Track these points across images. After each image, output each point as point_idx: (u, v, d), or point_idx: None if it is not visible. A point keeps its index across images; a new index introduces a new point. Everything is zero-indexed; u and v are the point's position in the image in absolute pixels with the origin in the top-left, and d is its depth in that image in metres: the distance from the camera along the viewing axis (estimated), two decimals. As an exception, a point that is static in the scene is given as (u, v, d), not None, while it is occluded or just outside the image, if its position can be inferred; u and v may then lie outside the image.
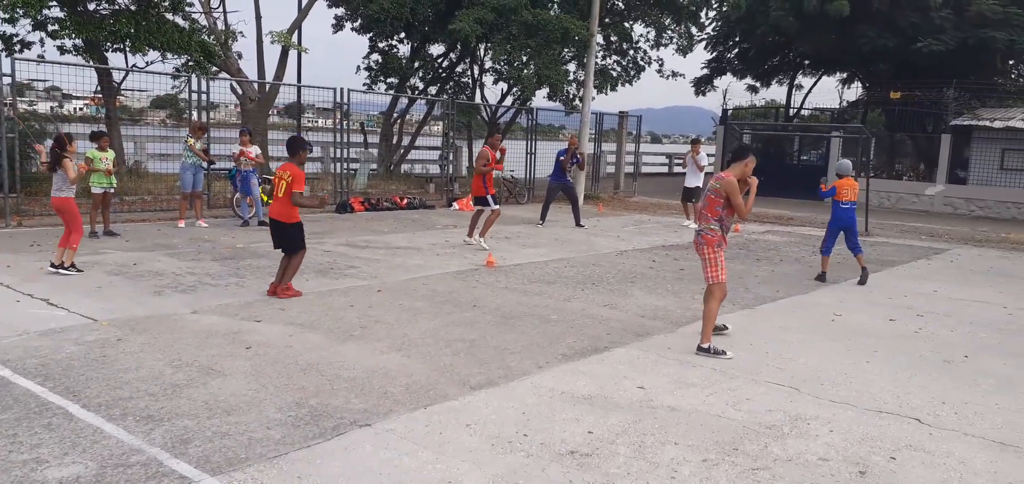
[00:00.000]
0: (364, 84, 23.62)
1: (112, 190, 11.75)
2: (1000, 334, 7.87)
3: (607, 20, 24.03)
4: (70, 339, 6.18)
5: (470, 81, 26.50)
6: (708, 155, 23.40)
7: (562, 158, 15.97)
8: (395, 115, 24.67)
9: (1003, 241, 16.15)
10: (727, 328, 7.23)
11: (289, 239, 8.12)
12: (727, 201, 6.54)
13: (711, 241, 6.60)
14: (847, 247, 10.72)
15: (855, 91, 32.59)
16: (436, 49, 25.45)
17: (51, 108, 24.33)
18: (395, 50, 24.37)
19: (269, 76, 20.41)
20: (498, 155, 12.49)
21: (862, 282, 10.37)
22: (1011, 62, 25.82)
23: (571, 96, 23.01)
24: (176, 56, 17.32)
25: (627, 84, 24.96)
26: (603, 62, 24.48)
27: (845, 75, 31.81)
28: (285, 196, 7.97)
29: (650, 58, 25.24)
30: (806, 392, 5.68)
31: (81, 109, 25.48)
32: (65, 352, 5.83)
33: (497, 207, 12.04)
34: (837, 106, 30.58)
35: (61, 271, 8.61)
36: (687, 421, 4.97)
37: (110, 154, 11.71)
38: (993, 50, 23.33)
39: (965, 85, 23.01)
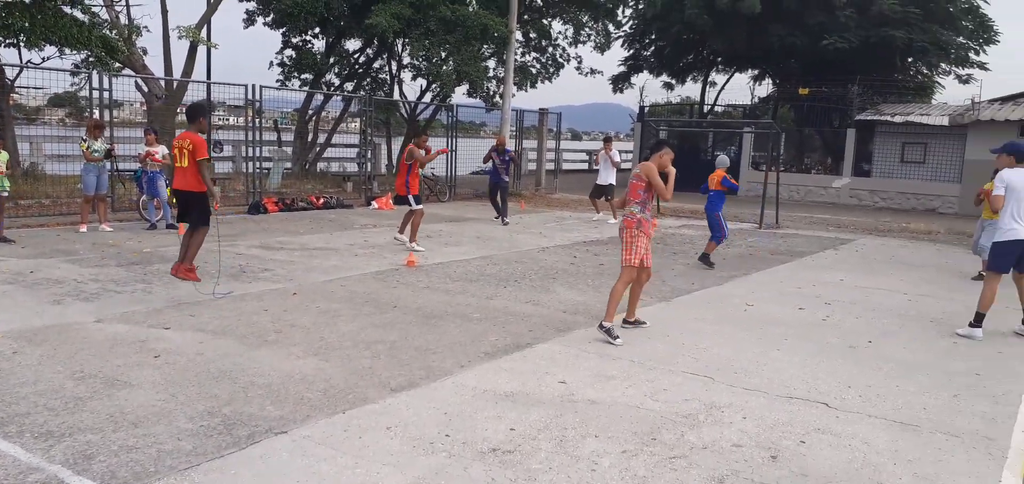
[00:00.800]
0: (277, 80, 23.07)
1: (5, 193, 11.09)
2: (901, 320, 8.27)
3: (526, 17, 24.17)
4: (-41, 353, 5.79)
5: (388, 77, 26.22)
6: (625, 152, 23.85)
7: (493, 156, 15.97)
8: (310, 112, 24.15)
9: (904, 230, 17.01)
10: (645, 323, 7.37)
11: (194, 209, 7.95)
12: (648, 185, 6.75)
13: (630, 224, 6.85)
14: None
15: (766, 88, 33.81)
16: (352, 44, 25.10)
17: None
18: (310, 45, 23.88)
19: (177, 73, 19.67)
20: (428, 154, 12.24)
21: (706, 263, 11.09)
22: (910, 60, 27.21)
23: (491, 93, 23.04)
24: (75, 51, 16.51)
25: (547, 81, 25.17)
26: (523, 59, 24.61)
27: (756, 72, 32.92)
28: (190, 166, 7.81)
29: (569, 55, 25.56)
30: (720, 381, 5.83)
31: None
32: (-46, 367, 5.45)
33: (420, 207, 11.89)
34: (749, 102, 31.57)
35: None
36: (607, 413, 5.03)
37: (3, 156, 11.05)
38: (893, 48, 24.57)
39: (868, 81, 24.15)
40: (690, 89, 35.53)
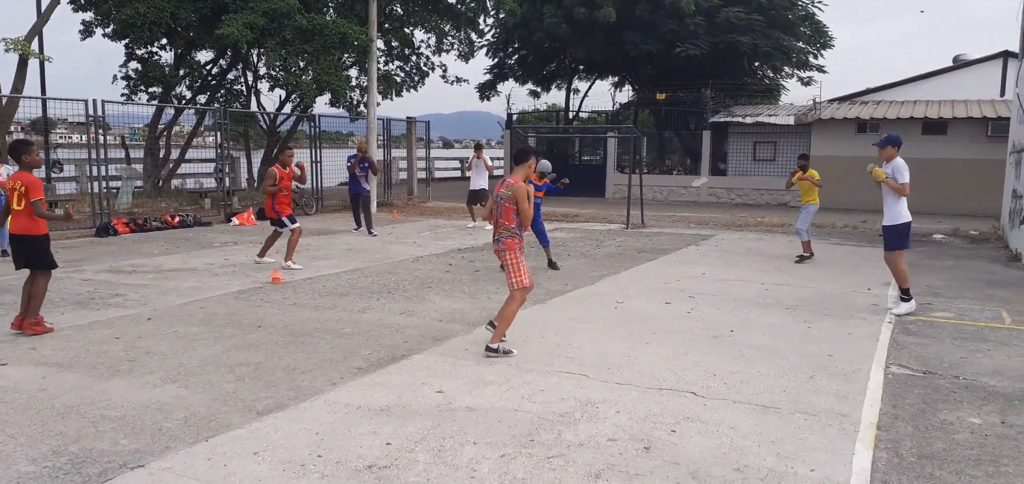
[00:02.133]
0: (123, 94, 21.56)
1: None
2: (759, 308, 8.72)
3: (387, 26, 23.87)
4: None
5: (244, 88, 25.17)
6: (496, 158, 24.01)
7: (350, 165, 15.61)
8: (161, 127, 22.79)
9: (759, 224, 18.03)
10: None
11: (36, 254, 7.22)
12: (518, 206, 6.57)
13: (512, 246, 6.60)
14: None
15: (627, 93, 35.06)
16: (203, 55, 23.90)
17: None
18: (157, 57, 22.51)
19: (6, 89, 18.04)
20: (296, 171, 11.52)
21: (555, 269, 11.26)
22: (756, 64, 29.01)
23: (355, 102, 22.57)
24: None
25: (412, 89, 24.92)
26: (386, 68, 24.27)
27: (617, 79, 34.05)
28: (26, 208, 7.09)
29: (433, 64, 25.40)
30: (594, 378, 5.92)
31: None
32: None
33: (296, 225, 11.33)
34: (611, 108, 32.63)
35: None
36: (485, 419, 4.98)
37: None
38: (741, 53, 26.10)
39: (720, 85, 25.51)
40: (556, 96, 36.42)
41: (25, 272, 7.36)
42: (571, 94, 34.75)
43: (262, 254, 11.54)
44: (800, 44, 27.65)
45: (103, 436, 4.64)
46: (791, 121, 23.07)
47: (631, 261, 12.21)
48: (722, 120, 24.67)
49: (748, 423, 5.03)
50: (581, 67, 32.94)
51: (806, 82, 28.65)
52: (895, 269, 8.60)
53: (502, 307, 6.68)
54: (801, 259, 12.20)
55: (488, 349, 6.51)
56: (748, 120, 24.07)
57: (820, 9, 27.78)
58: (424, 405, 5.26)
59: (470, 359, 6.40)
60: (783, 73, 29.96)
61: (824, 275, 10.96)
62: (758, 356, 6.66)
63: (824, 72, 28.33)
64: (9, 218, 7.28)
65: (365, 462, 4.30)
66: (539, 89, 34.20)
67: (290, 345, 6.81)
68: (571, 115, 34.65)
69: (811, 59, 28.21)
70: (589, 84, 35.18)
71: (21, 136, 19.94)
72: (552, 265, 11.30)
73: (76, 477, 4.06)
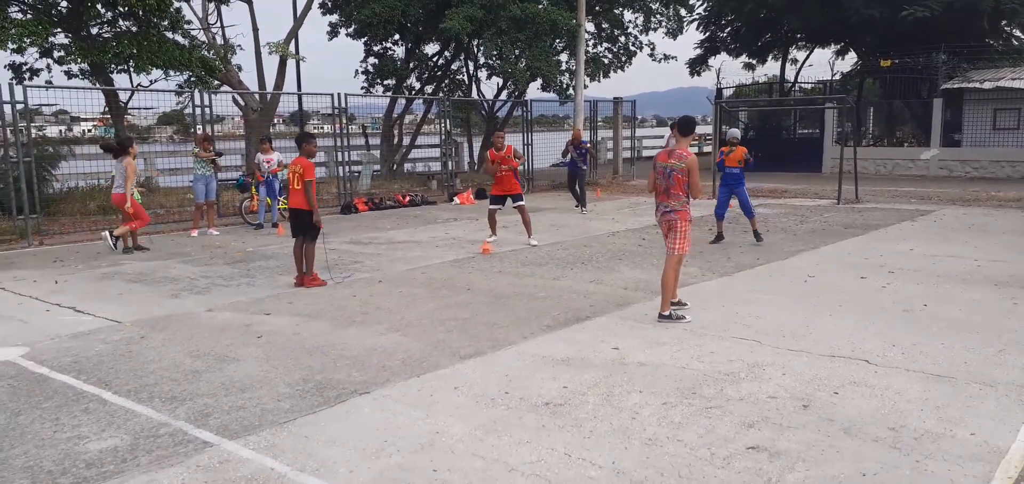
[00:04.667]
0: (362, 88, 24.25)
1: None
2: (964, 283, 8.36)
3: (597, 8, 24.53)
4: (98, 339, 6.79)
5: (466, 78, 27.08)
6: (707, 136, 23.82)
7: (571, 150, 16.56)
8: (394, 116, 25.26)
9: (991, 199, 16.57)
10: (685, 303, 7.41)
11: (308, 225, 8.90)
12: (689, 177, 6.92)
13: (685, 216, 7.00)
14: (741, 210, 11.44)
15: (849, 62, 32.97)
16: (430, 48, 26.06)
17: (60, 131, 25.09)
18: (390, 52, 24.96)
19: (269, 86, 21.02)
20: (512, 152, 11.91)
21: (758, 240, 11.10)
22: (1003, 23, 26.11)
23: (564, 86, 23.54)
24: (178, 73, 17.96)
25: (620, 70, 25.46)
26: (594, 50, 24.98)
27: (838, 47, 32.15)
28: (301, 187, 8.82)
29: (641, 43, 25.71)
30: (767, 344, 6.21)
31: (89, 130, 26.21)
32: (94, 350, 6.43)
33: (521, 202, 11.77)
34: (830, 78, 30.90)
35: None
36: (653, 373, 5.52)
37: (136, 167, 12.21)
38: (980, 12, 23.65)
39: (954, 48, 23.37)
40: (772, 68, 35.03)
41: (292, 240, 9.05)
42: (788, 65, 33.31)
43: (493, 231, 11.99)
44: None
45: (340, 370, 5.78)
46: (1041, 84, 20.69)
47: (835, 237, 11.94)
48: (956, 86, 22.62)
49: (916, 389, 5.13)
50: (798, 36, 31.45)
51: (1067, 39, 25.29)
52: None
53: (667, 276, 7.00)
54: None
55: (660, 316, 6.95)
56: (987, 85, 21.87)
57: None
58: (600, 358, 5.90)
59: (648, 323, 6.93)
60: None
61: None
62: (947, 329, 6.55)
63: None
64: (287, 195, 9.10)
65: (544, 400, 5.03)
66: (754, 61, 33.10)
67: (492, 305, 7.74)
68: (788, 86, 33.23)
69: (1074, 12, 24.79)
70: (807, 54, 33.54)
71: (300, 129, 22.92)
72: (757, 236, 11.31)
73: (319, 398, 5.18)
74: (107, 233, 11.71)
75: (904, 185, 19.92)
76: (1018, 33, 27.17)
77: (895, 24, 24.39)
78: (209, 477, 4.03)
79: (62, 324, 7.39)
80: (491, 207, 12.11)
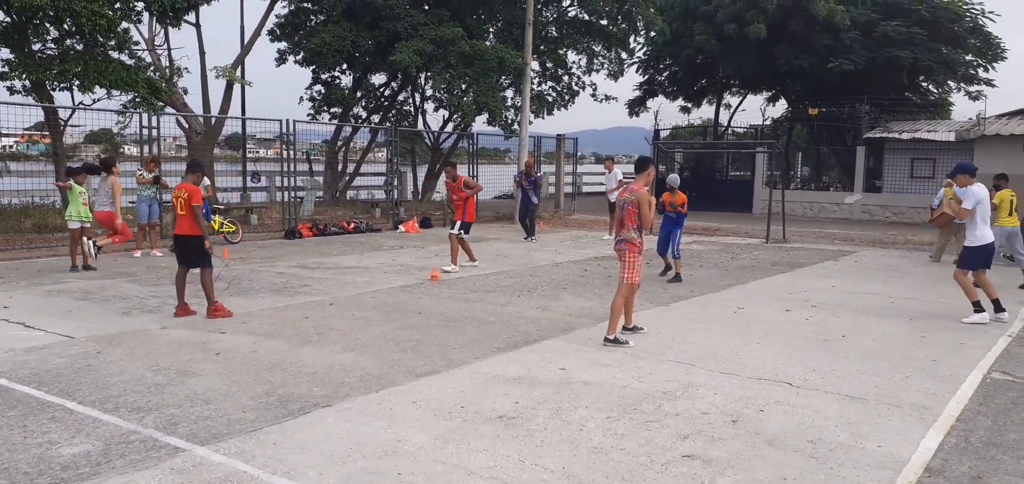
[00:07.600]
0: (308, 114, 24.40)
1: (88, 223, 12.08)
2: (878, 317, 9.09)
3: (542, 48, 25.29)
4: (54, 353, 6.87)
5: (412, 109, 27.50)
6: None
7: (518, 180, 17.08)
8: (339, 143, 25.45)
9: (907, 242, 17.70)
10: (643, 328, 8.07)
11: (196, 251, 8.58)
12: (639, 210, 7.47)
13: (633, 247, 7.53)
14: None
15: (780, 108, 34.63)
16: (378, 79, 26.41)
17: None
18: (338, 80, 25.20)
19: (214, 110, 21.00)
20: (463, 182, 12.72)
21: (674, 279, 11.53)
22: (921, 79, 27.89)
23: (510, 121, 24.15)
24: (123, 93, 17.82)
25: (563, 108, 26.22)
26: (540, 88, 25.69)
27: (769, 94, 33.75)
28: (187, 213, 8.52)
29: (584, 83, 26.59)
30: (700, 367, 6.73)
31: (11, 147, 25.41)
32: (52, 363, 6.53)
33: (453, 231, 12.46)
34: (761, 123, 32.40)
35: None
36: (598, 391, 5.96)
37: (81, 189, 12.06)
38: (899, 68, 25.31)
39: (876, 100, 24.90)
40: (707, 112, 36.42)
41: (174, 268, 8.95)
42: (722, 109, 34.78)
43: (454, 260, 12.43)
44: (968, 57, 26.34)
45: (301, 384, 6.04)
46: (951, 137, 22.20)
47: (763, 273, 12.68)
48: (877, 135, 24.09)
49: (833, 408, 5.69)
50: (733, 82, 32.94)
51: (974, 97, 27.21)
52: (966, 285, 9.01)
53: (616, 302, 7.55)
54: None
55: (606, 340, 7.46)
56: (905, 136, 23.37)
57: (991, 20, 26.38)
58: (548, 377, 6.31)
59: (592, 346, 7.38)
60: (946, 88, 28.55)
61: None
62: (861, 357, 7.18)
63: (992, 86, 26.78)
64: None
65: (497, 413, 5.40)
66: (689, 105, 34.49)
67: (444, 328, 8.08)
68: (722, 130, 34.64)
69: (980, 72, 26.77)
70: (741, 99, 35.08)
71: (241, 152, 22.77)
72: (677, 278, 11.69)
73: (283, 409, 5.44)
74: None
75: (829, 227, 21.04)
76: (933, 88, 29.06)
77: (823, 75, 25.89)
78: (185, 478, 4.27)
79: (15, 338, 7.43)
80: (462, 236, 12.58)
